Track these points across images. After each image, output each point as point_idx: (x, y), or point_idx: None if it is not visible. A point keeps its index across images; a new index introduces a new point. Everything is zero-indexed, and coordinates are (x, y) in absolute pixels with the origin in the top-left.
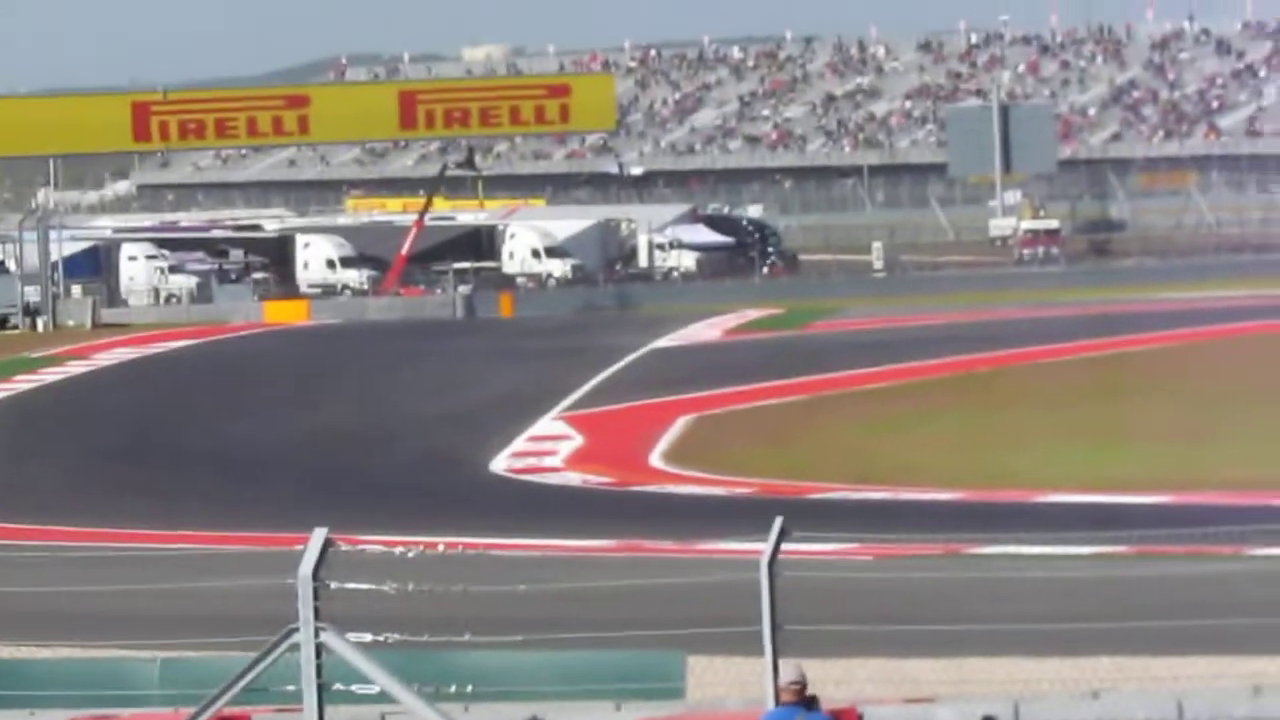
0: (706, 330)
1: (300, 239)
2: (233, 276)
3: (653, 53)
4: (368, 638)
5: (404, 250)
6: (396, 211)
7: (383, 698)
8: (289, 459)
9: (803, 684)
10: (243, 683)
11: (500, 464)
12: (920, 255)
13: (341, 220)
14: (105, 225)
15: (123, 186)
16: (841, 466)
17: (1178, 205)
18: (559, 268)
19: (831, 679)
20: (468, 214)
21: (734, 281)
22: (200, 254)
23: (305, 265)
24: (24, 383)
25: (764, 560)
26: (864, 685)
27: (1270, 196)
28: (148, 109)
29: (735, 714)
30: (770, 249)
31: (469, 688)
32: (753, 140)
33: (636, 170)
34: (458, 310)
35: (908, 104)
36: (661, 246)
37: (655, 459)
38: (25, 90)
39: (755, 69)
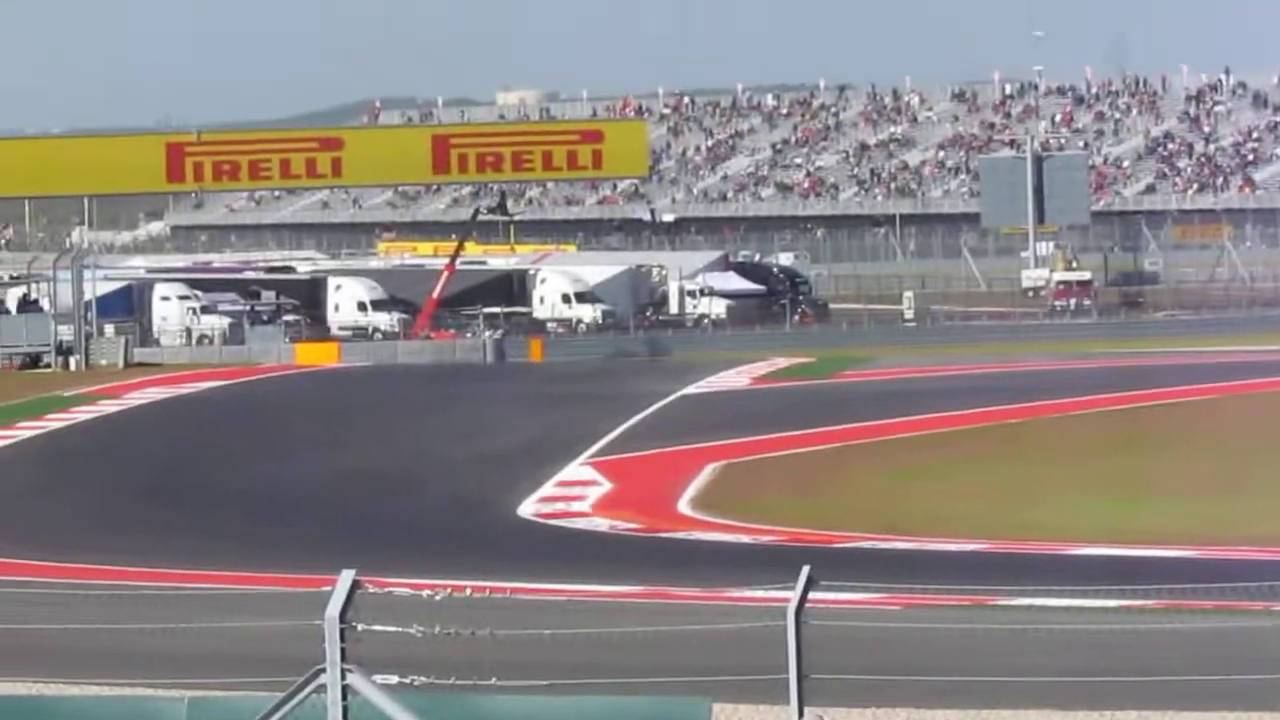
0: (736, 377)
1: (332, 281)
2: (264, 318)
3: (686, 99)
4: (394, 680)
5: (435, 294)
6: (428, 255)
7: None
8: (318, 500)
9: None
10: None
11: (528, 508)
12: (952, 305)
13: (373, 263)
14: (139, 265)
15: (156, 227)
16: (869, 516)
17: (1211, 259)
18: (589, 313)
19: None
20: (499, 258)
21: (764, 329)
22: (232, 295)
23: (337, 307)
24: (56, 421)
25: (791, 608)
26: None
27: None
28: (181, 150)
29: None
30: (801, 297)
31: None
32: (785, 188)
33: (668, 217)
34: (488, 354)
35: (941, 153)
36: (692, 293)
37: (683, 506)
38: (59, 130)
39: (788, 117)
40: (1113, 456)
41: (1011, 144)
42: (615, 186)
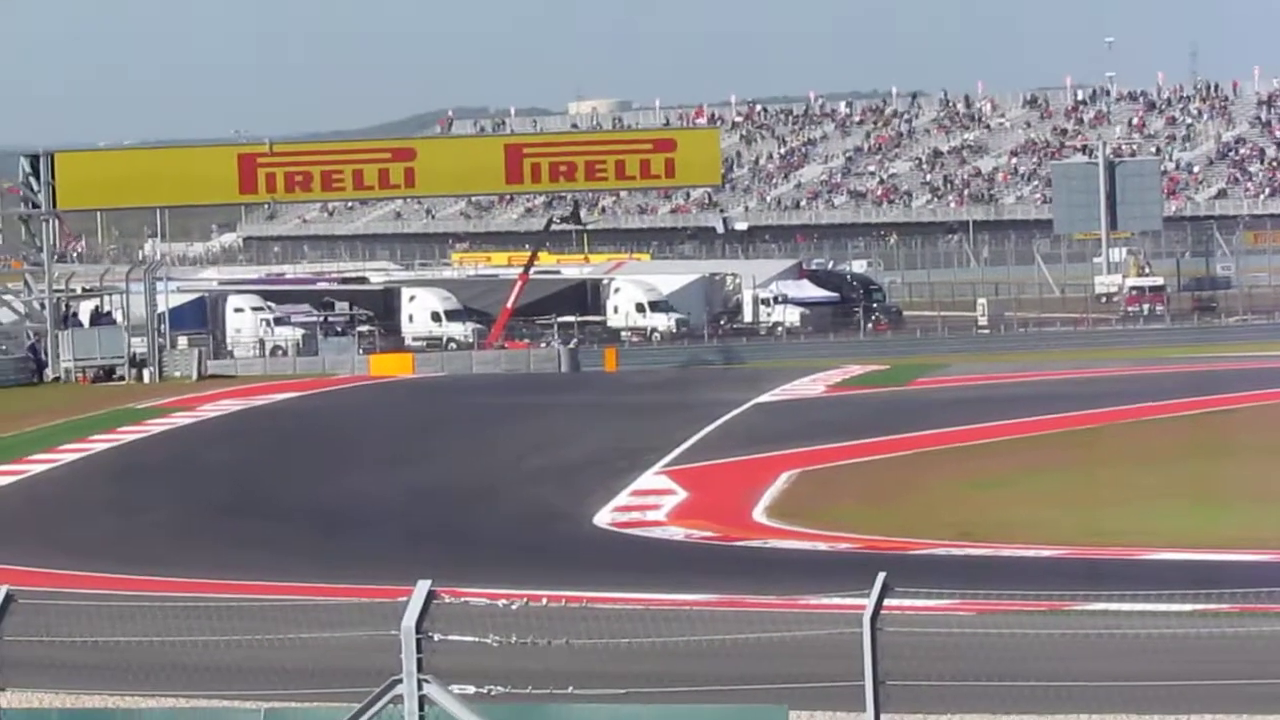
0: (810, 386)
1: (405, 292)
2: (338, 329)
3: (759, 108)
4: (470, 690)
5: (509, 304)
6: (501, 265)
7: None
8: (393, 513)
9: None
10: None
11: (603, 518)
12: (1025, 312)
13: (447, 273)
14: (211, 277)
15: (229, 238)
16: (944, 523)
17: None
18: (663, 322)
19: None
20: (572, 268)
21: (838, 337)
22: (306, 306)
23: (410, 318)
24: (130, 434)
25: (866, 615)
26: None
27: None
28: (254, 161)
29: None
30: (875, 304)
31: None
32: (858, 195)
33: (741, 225)
34: (562, 364)
35: (1014, 160)
36: (766, 301)
37: (758, 514)
38: (131, 142)
39: (861, 124)
40: (1187, 462)
41: (1084, 150)
42: (688, 195)
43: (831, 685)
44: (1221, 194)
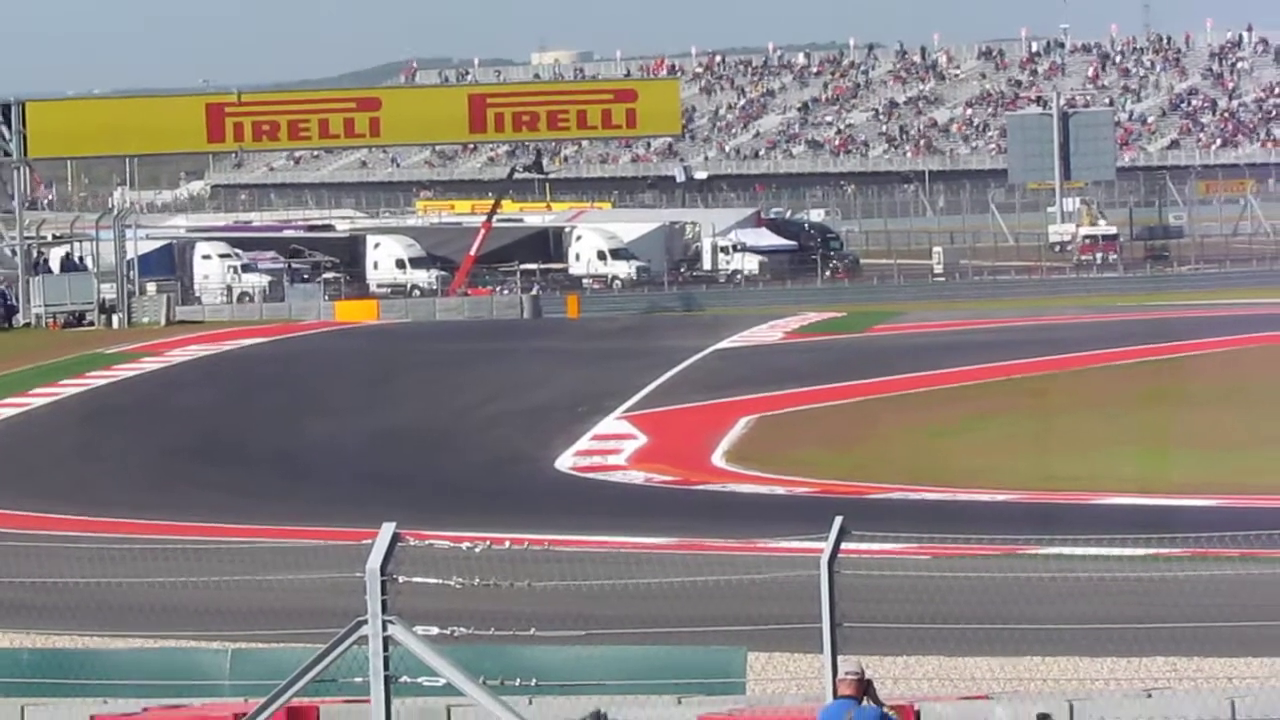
0: (768, 332)
1: (370, 239)
2: (304, 276)
3: (718, 59)
4: (434, 631)
5: (472, 251)
6: (465, 213)
7: (449, 690)
8: (358, 456)
9: (859, 675)
10: (312, 674)
11: (565, 462)
12: (980, 260)
13: (411, 221)
14: (180, 225)
15: (197, 186)
16: (900, 468)
17: (1234, 213)
18: (624, 270)
19: (890, 676)
20: (535, 216)
21: (796, 284)
22: (272, 253)
23: (375, 265)
24: (99, 379)
25: (824, 559)
26: (921, 683)
27: None
28: (222, 110)
29: (794, 709)
30: (832, 253)
31: (533, 681)
32: (816, 145)
33: (701, 174)
34: (525, 311)
35: (969, 111)
36: (725, 250)
37: (717, 458)
38: (100, 92)
39: (819, 75)
40: (1139, 409)
41: (1038, 101)
42: (649, 145)
43: (789, 627)
44: (1174, 145)
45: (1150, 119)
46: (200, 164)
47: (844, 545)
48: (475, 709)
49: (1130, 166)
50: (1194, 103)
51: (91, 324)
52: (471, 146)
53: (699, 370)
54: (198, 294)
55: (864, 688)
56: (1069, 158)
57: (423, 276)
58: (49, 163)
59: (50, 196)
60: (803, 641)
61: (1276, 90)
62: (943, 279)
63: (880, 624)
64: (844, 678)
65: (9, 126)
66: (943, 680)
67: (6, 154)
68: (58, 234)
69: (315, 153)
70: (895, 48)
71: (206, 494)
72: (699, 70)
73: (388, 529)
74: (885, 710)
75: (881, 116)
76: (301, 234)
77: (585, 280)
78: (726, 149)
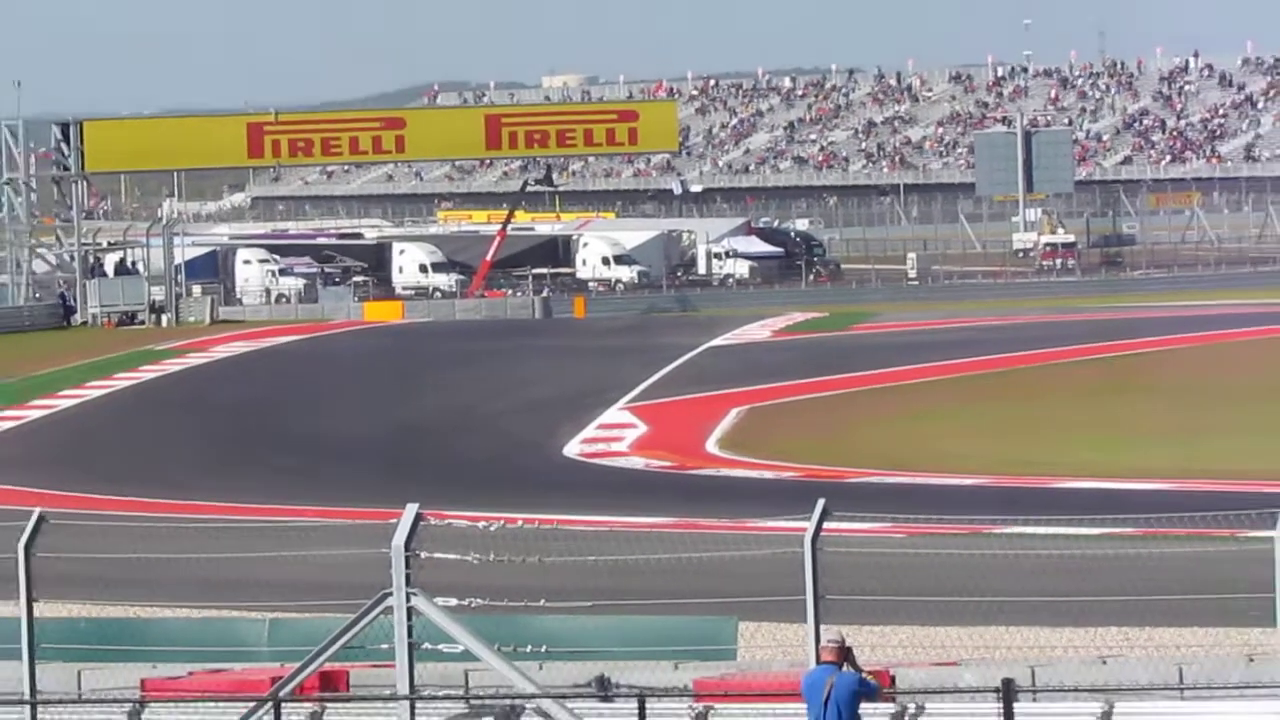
0: (758, 331)
1: (396, 246)
2: (335, 279)
3: (712, 82)
4: (453, 602)
5: (488, 257)
6: (482, 222)
7: (466, 656)
8: (384, 442)
9: (840, 643)
10: (342, 641)
11: (572, 449)
12: (950, 265)
13: (433, 230)
14: (223, 232)
15: (239, 198)
16: (878, 454)
17: (1182, 222)
18: (626, 274)
19: (867, 644)
20: (545, 225)
21: (783, 287)
22: (307, 259)
23: (400, 270)
24: (149, 372)
25: (808, 537)
26: (897, 650)
27: (1265, 215)
28: (261, 129)
29: (781, 674)
30: (816, 259)
31: (543, 648)
32: (801, 161)
33: (696, 187)
34: (536, 311)
35: (940, 130)
36: (718, 255)
37: (710, 446)
38: (150, 112)
39: (804, 97)
40: (1096, 400)
41: (1003, 121)
42: (649, 160)
43: (776, 599)
44: (1127, 160)
45: (1105, 137)
46: (241, 177)
47: (826, 525)
48: (490, 673)
49: (1087, 180)
50: (1145, 122)
51: (142, 323)
52: (488, 162)
53: (694, 365)
54: (239, 296)
55: (844, 654)
56: (1031, 172)
57: (443, 280)
58: (104, 176)
59: (105, 207)
60: (789, 612)
61: (1220, 111)
62: (916, 283)
63: (859, 596)
64: (826, 645)
65: (68, 144)
66: (916, 648)
67: (66, 168)
68: (112, 241)
69: (346, 167)
70: (873, 72)
71: (246, 478)
72: (695, 93)
73: (411, 509)
74: (864, 675)
75: (861, 135)
76: (333, 241)
77: (591, 283)
78: (720, 164)
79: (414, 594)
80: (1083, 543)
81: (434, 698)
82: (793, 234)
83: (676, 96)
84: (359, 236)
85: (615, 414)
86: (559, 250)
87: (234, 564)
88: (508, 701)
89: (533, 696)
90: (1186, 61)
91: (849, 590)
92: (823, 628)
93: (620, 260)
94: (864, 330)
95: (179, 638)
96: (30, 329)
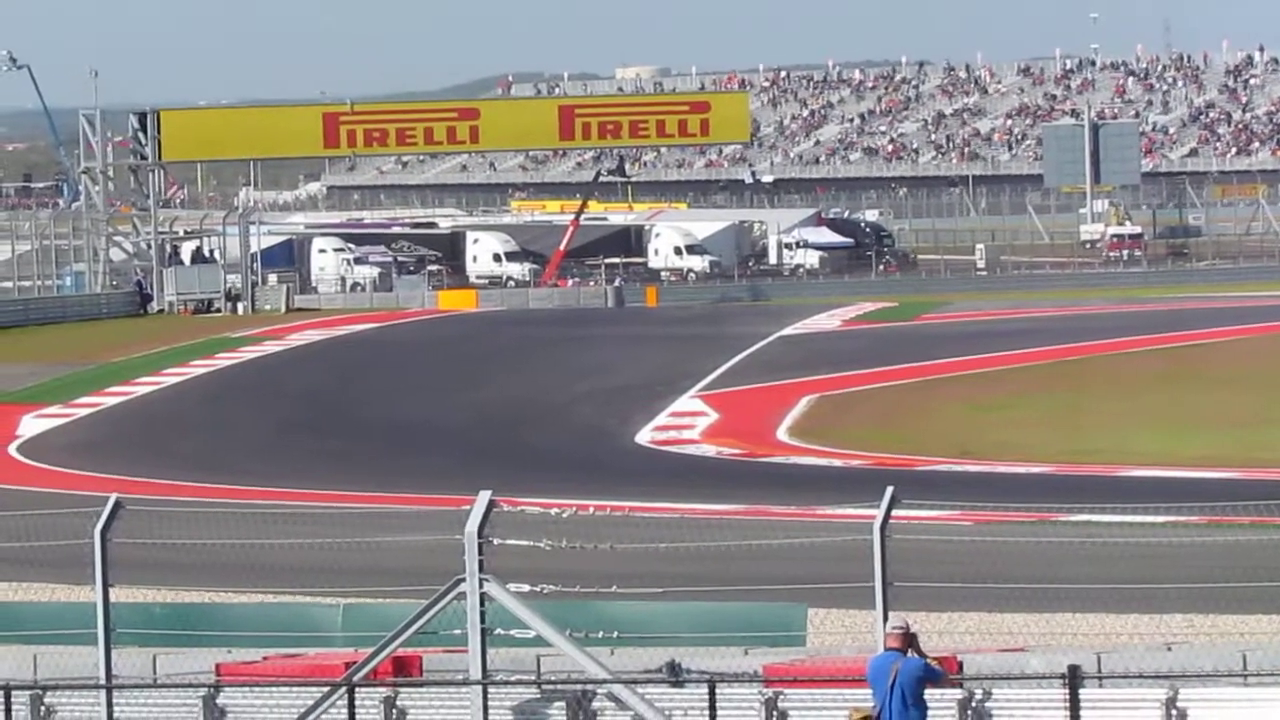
0: (827, 320)
1: (470, 235)
2: (410, 268)
3: (783, 74)
4: (526, 588)
5: (562, 246)
6: (555, 212)
7: (538, 641)
8: (458, 429)
9: (905, 630)
10: (415, 627)
11: (644, 436)
12: (1018, 256)
13: (507, 219)
14: (298, 221)
15: (314, 187)
16: (946, 443)
17: (1247, 214)
18: (698, 263)
19: (935, 630)
20: (618, 215)
21: (852, 278)
22: (382, 248)
23: (474, 259)
24: (226, 360)
25: (876, 524)
26: (964, 636)
27: None
28: (337, 119)
29: (849, 659)
30: (885, 249)
31: (615, 634)
32: (871, 152)
33: (767, 178)
34: (608, 300)
35: (1009, 122)
36: (789, 246)
37: (781, 434)
38: (227, 102)
39: (874, 89)
40: (1162, 390)
41: (1071, 113)
42: (721, 151)
43: (845, 586)
44: (1193, 153)
45: (1172, 129)
46: (317, 167)
47: (894, 512)
48: (562, 658)
49: (1154, 172)
50: (1211, 115)
51: (219, 311)
52: (561, 152)
53: (765, 354)
54: (314, 284)
55: (908, 641)
56: (1099, 164)
57: (517, 269)
58: (181, 165)
59: (182, 196)
60: (857, 599)
61: None
62: (984, 273)
63: (927, 584)
64: (890, 632)
65: (145, 133)
66: (983, 634)
67: (143, 157)
68: (189, 230)
69: (421, 157)
70: (943, 65)
71: (322, 464)
72: (766, 84)
73: (484, 496)
74: (929, 661)
75: (930, 126)
76: (408, 230)
77: (663, 273)
78: (791, 155)
79: (486, 580)
80: (1148, 530)
81: (506, 683)
82: (863, 225)
83: (748, 88)
84: (433, 226)
85: (687, 402)
86: (631, 240)
87: (308, 549)
88: (579, 687)
89: (604, 682)
90: (1252, 55)
91: (917, 577)
92: (891, 613)
93: (692, 250)
94: (932, 320)
95: (253, 623)
96: (107, 316)
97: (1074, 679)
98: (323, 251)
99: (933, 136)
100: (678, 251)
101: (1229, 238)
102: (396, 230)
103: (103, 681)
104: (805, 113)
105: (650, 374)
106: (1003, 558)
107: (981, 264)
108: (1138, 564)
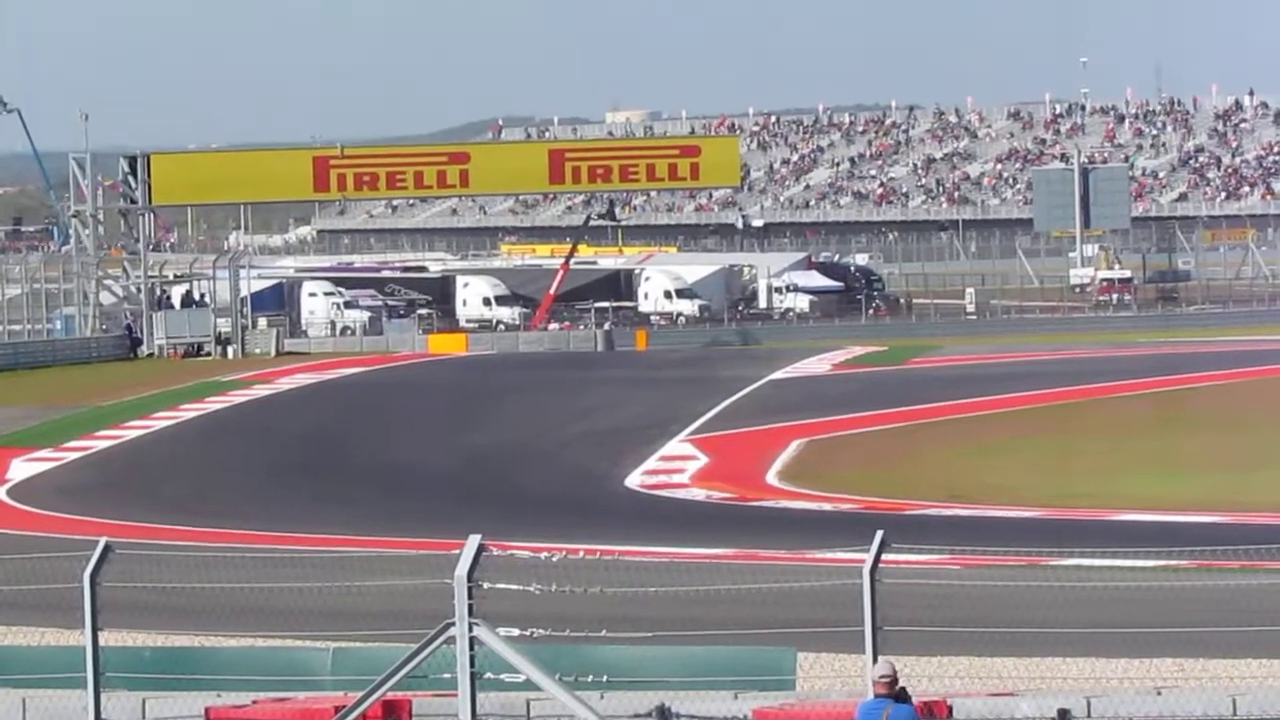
0: (818, 364)
1: (460, 279)
2: (400, 312)
3: (773, 118)
4: (515, 632)
5: (552, 290)
6: (545, 256)
7: (529, 686)
8: (447, 473)
9: (892, 678)
10: (405, 670)
11: (634, 480)
12: (1008, 300)
13: (496, 263)
14: (289, 265)
15: (304, 231)
16: (935, 486)
17: (1237, 258)
18: (688, 307)
19: (925, 674)
20: (608, 259)
21: (843, 321)
22: (372, 291)
23: (464, 302)
24: (216, 403)
25: (866, 568)
26: (954, 680)
27: None
28: (327, 163)
29: (838, 703)
30: (875, 293)
31: (604, 678)
32: (861, 196)
33: (757, 222)
34: (599, 344)
35: (998, 166)
36: (779, 289)
37: (771, 477)
38: (217, 145)
39: (864, 133)
40: (1152, 434)
41: (1061, 157)
42: (711, 195)
43: (835, 630)
44: (1182, 197)
45: (1161, 174)
46: (307, 211)
47: (884, 556)
48: (552, 702)
49: (1143, 216)
50: (1201, 159)
51: (209, 354)
52: (551, 196)
53: (755, 398)
54: (304, 328)
55: (893, 688)
56: (1088, 208)
57: (507, 313)
58: (171, 209)
59: (172, 239)
60: (847, 643)
61: (1275, 148)
62: (974, 317)
63: (917, 627)
64: (877, 680)
65: (135, 177)
66: (973, 678)
67: (133, 201)
68: (178, 273)
69: (411, 201)
70: (933, 109)
71: (310, 507)
72: (756, 129)
73: (474, 540)
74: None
75: (920, 171)
76: (398, 274)
77: (653, 316)
78: (780, 199)
79: (476, 624)
80: (1137, 574)
81: None
82: (852, 269)
83: (738, 132)
84: (423, 269)
85: (676, 445)
86: (621, 284)
87: (298, 593)
88: None
89: None
90: (1241, 99)
91: (907, 621)
92: (880, 658)
93: (682, 294)
94: (923, 364)
95: (243, 666)
96: (97, 360)
97: None
98: (313, 295)
99: (923, 180)
100: (668, 295)
101: (1219, 282)
102: (387, 274)
103: None
104: (795, 157)
105: (640, 417)
106: (992, 601)
107: (971, 308)
108: (1127, 608)
